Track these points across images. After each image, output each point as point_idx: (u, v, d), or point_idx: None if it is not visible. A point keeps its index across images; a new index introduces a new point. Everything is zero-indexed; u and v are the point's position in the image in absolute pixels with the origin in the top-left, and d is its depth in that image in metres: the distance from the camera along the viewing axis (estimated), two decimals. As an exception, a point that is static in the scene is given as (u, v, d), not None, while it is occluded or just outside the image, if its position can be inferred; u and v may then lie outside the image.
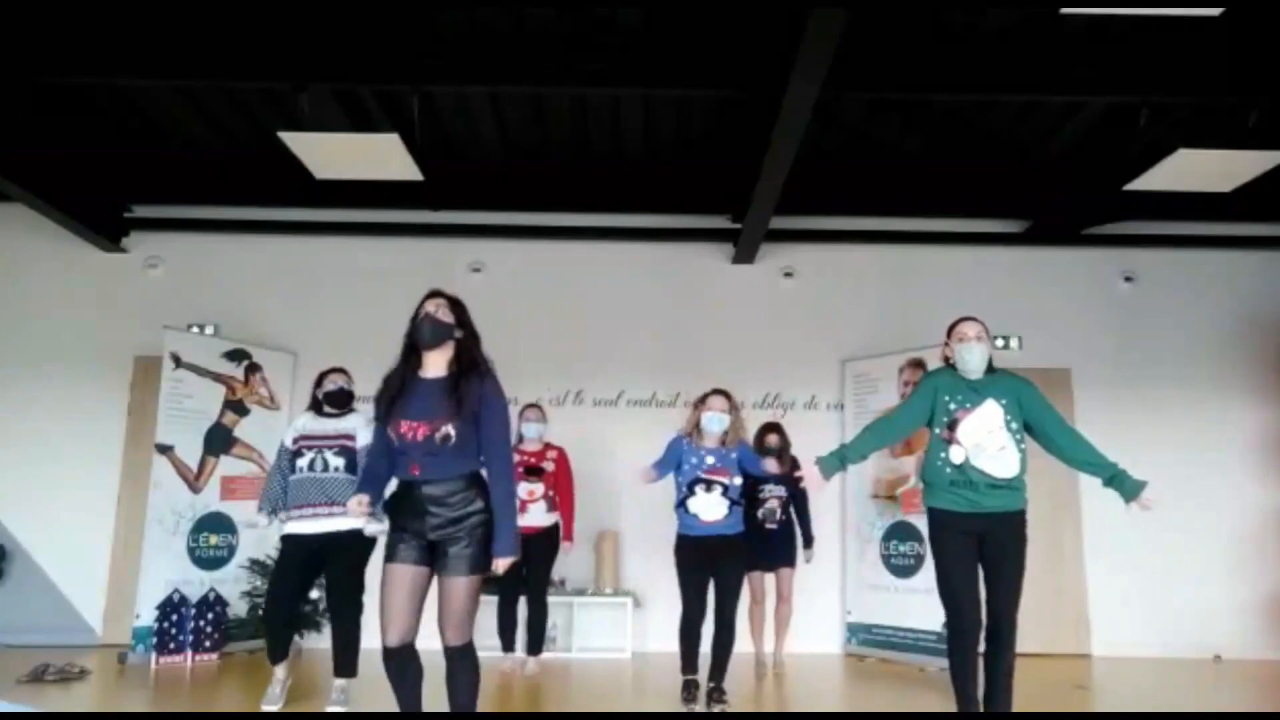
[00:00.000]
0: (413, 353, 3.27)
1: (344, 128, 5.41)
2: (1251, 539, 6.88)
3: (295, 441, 4.64)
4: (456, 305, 3.31)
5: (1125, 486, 3.65)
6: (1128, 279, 7.26)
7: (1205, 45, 5.00)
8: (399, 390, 3.19)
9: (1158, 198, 6.00)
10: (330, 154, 5.29)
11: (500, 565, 3.13)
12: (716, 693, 4.63)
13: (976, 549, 3.73)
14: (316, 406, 4.73)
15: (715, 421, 4.62)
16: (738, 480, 4.67)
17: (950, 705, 3.77)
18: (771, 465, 5.27)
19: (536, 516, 5.62)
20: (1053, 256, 7.29)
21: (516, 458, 5.61)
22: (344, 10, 4.90)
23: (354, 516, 3.30)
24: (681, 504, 4.64)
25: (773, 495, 5.66)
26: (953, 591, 3.71)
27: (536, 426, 5.78)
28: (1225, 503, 6.88)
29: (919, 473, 6.12)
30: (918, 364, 6.44)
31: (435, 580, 3.16)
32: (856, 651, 6.52)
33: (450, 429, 3.09)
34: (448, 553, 3.11)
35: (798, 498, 5.80)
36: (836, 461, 3.84)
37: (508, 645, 5.78)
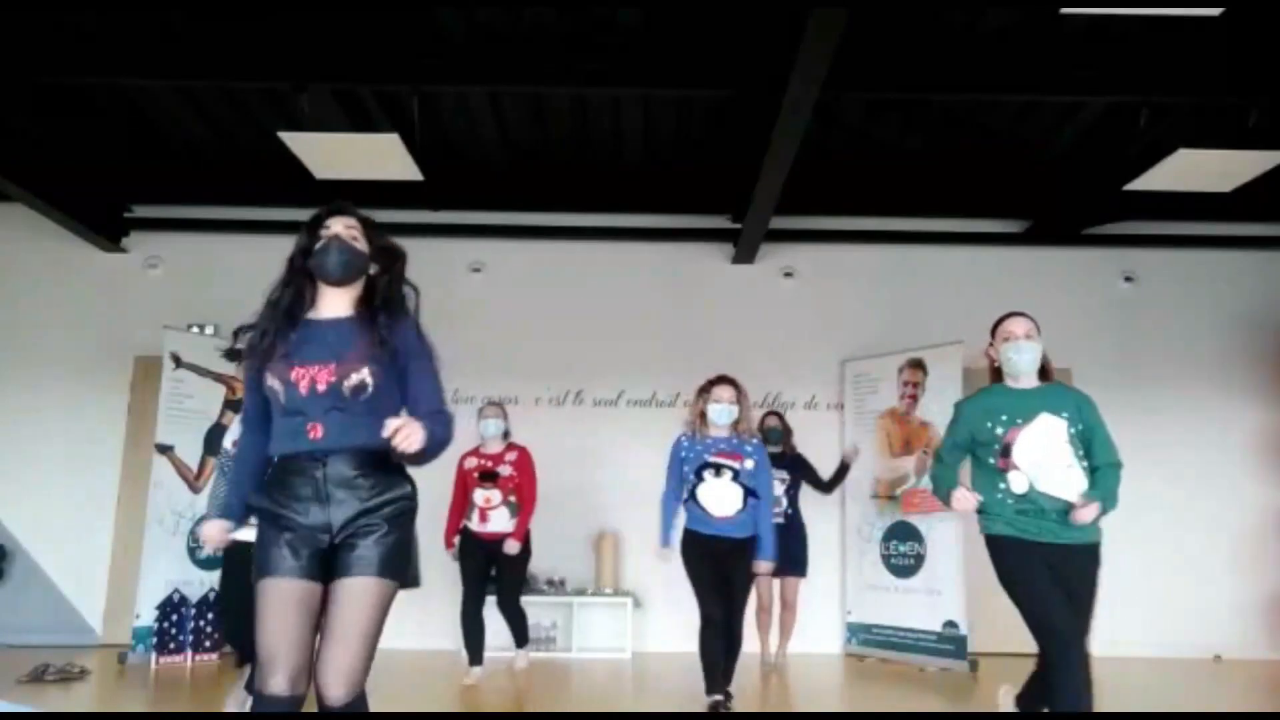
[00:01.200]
0: (304, 283, 2.40)
1: (344, 128, 5.41)
2: (1251, 539, 6.88)
3: None
4: (371, 228, 2.46)
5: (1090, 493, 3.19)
6: (1128, 279, 7.25)
7: (1205, 45, 4.99)
8: (281, 330, 2.32)
9: (1158, 198, 6.00)
10: (330, 154, 5.29)
11: (397, 437, 2.12)
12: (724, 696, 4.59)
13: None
14: None
15: (724, 414, 4.30)
16: (749, 465, 4.31)
17: (950, 706, 3.76)
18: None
19: (499, 523, 5.30)
20: (1053, 256, 7.29)
21: (474, 461, 5.41)
22: (344, 10, 4.89)
23: (211, 547, 2.46)
24: (691, 495, 4.35)
25: (775, 478, 5.61)
26: (1049, 617, 3.12)
27: (495, 424, 5.42)
28: (1225, 503, 6.88)
29: (919, 473, 6.16)
30: (917, 364, 6.44)
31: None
32: (856, 651, 6.51)
33: (367, 375, 2.24)
34: (354, 547, 2.21)
35: (805, 470, 5.79)
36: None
37: (475, 658, 5.24)
